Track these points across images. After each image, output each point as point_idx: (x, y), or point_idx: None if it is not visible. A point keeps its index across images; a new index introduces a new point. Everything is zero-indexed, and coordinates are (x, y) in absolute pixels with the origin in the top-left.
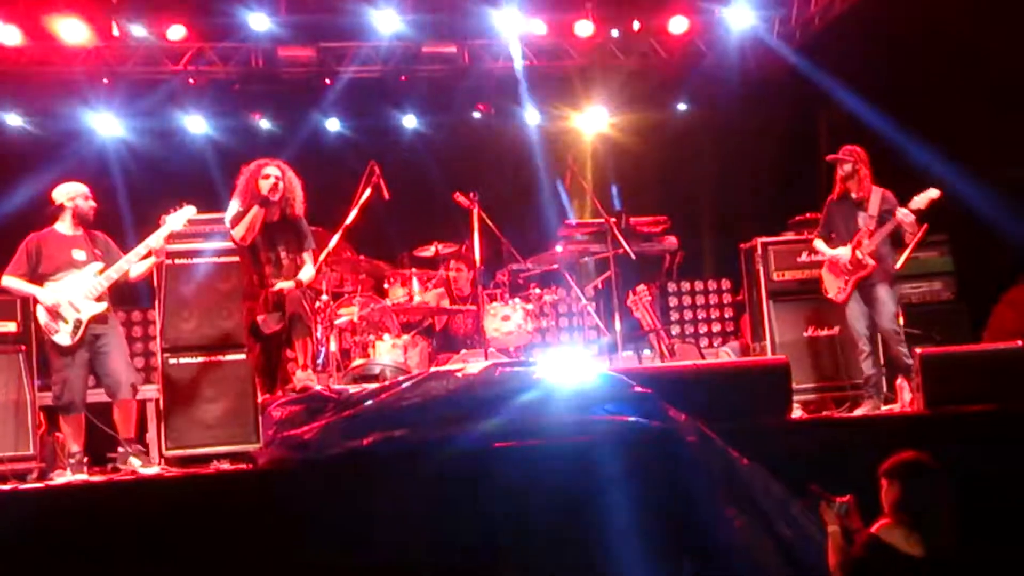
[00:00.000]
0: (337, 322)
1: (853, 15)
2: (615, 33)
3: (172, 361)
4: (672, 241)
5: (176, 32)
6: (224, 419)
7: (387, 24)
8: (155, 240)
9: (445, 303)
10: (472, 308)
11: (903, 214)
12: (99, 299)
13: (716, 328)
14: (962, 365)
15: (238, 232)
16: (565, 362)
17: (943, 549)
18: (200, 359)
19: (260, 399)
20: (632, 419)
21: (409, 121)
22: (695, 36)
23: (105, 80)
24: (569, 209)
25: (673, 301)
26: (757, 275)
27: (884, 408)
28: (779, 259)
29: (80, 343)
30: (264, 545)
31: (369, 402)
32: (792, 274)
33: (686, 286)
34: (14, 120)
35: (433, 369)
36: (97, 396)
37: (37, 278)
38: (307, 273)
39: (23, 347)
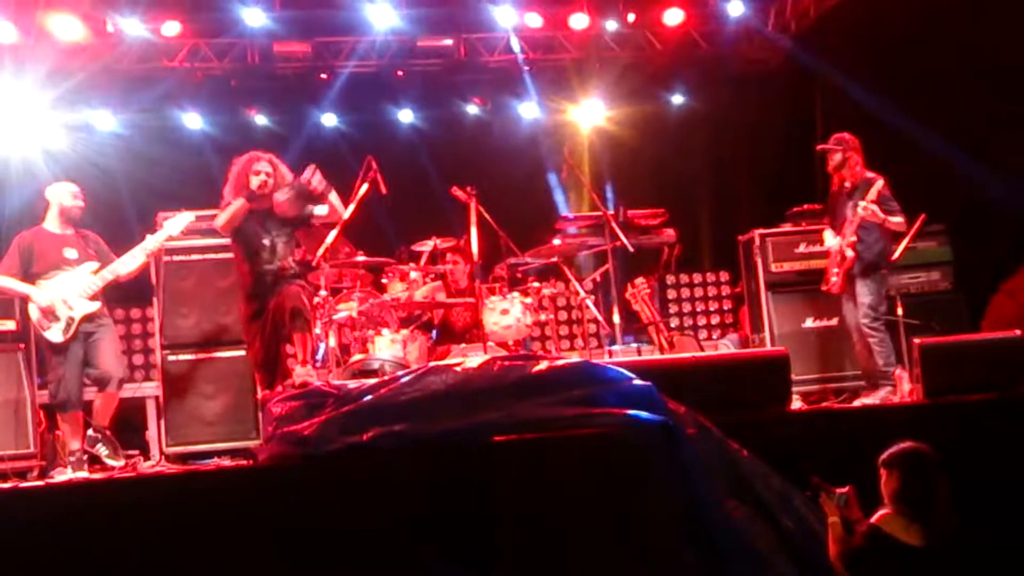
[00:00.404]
0: (336, 317)
1: (847, 4)
2: (610, 25)
3: (171, 358)
4: (670, 234)
5: (171, 28)
6: (224, 415)
7: (382, 18)
8: (152, 243)
9: (441, 296)
10: (471, 300)
11: (861, 207)
12: (92, 298)
13: (715, 320)
14: (961, 355)
15: (219, 221)
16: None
17: (942, 539)
18: (199, 355)
19: (260, 395)
20: (631, 412)
21: (405, 116)
22: (691, 28)
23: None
24: (563, 203)
25: (672, 294)
26: (755, 267)
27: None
28: (777, 251)
29: (72, 340)
30: (265, 541)
31: (368, 397)
32: (790, 265)
33: (684, 278)
34: None
35: (432, 364)
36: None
37: (30, 277)
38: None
39: (22, 345)
